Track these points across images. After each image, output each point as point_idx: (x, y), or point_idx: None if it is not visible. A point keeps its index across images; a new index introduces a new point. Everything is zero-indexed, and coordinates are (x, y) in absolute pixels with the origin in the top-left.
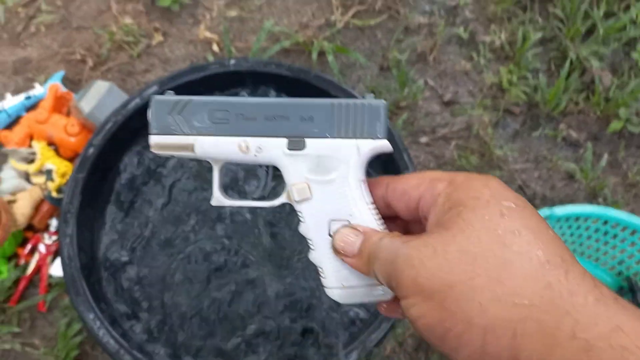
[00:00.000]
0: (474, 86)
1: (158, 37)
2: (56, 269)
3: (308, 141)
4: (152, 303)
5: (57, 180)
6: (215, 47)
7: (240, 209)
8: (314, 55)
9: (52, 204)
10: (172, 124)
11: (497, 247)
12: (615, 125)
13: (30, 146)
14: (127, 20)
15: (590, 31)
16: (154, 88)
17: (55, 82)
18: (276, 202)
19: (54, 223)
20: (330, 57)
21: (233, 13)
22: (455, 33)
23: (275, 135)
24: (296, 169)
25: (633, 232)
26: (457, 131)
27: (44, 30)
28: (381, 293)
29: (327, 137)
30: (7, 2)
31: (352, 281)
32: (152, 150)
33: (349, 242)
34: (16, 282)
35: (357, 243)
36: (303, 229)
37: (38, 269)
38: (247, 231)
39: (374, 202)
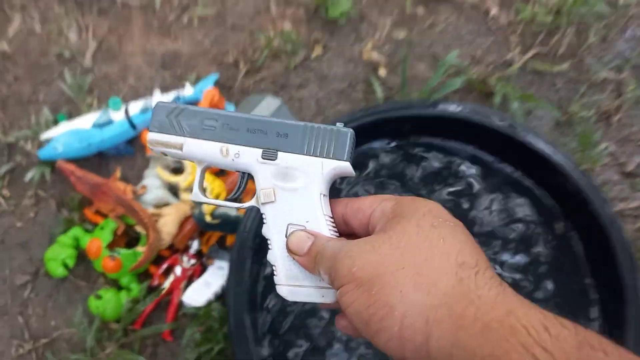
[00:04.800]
0: None
1: (317, 50)
2: (189, 297)
3: (280, 154)
4: None
5: None
6: (382, 72)
7: None
8: (497, 99)
9: (199, 225)
10: (167, 124)
11: (424, 247)
12: None
13: None
14: (286, 26)
15: None
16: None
17: (209, 86)
18: (245, 204)
19: (194, 245)
20: (515, 105)
21: (401, 34)
22: None
23: (252, 145)
24: (266, 175)
25: None
26: (636, 208)
27: (196, 23)
28: (324, 296)
29: (296, 153)
30: None
31: (301, 281)
32: (148, 145)
33: (301, 242)
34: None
35: (308, 244)
36: (265, 229)
37: (169, 292)
38: None
39: (334, 217)
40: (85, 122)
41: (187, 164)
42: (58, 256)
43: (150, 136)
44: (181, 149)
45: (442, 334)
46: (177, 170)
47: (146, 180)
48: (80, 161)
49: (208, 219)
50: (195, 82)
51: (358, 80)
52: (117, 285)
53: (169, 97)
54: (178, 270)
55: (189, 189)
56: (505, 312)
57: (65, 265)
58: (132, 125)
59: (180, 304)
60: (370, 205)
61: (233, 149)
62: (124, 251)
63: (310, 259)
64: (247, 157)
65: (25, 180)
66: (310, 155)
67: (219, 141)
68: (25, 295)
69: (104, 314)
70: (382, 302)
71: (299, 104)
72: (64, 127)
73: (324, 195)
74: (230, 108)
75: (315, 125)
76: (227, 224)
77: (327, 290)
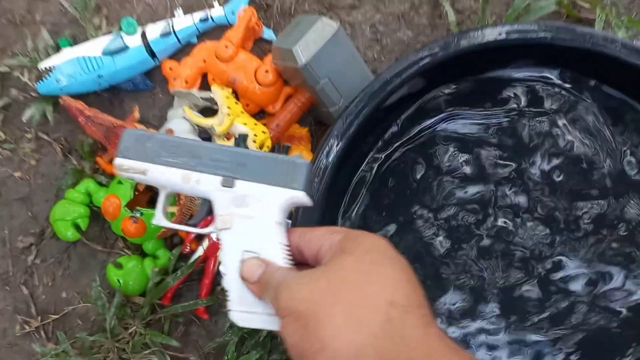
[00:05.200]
0: None
1: None
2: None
3: (238, 182)
4: None
5: None
6: None
7: None
8: (599, 27)
9: None
10: (133, 150)
11: (359, 284)
12: None
13: (200, 88)
14: None
15: None
16: (421, 55)
17: (243, 5)
18: (205, 230)
19: None
20: (621, 32)
21: None
22: None
23: (213, 172)
24: (224, 202)
25: None
26: None
27: None
28: (273, 323)
29: (254, 182)
30: None
31: (254, 307)
32: (115, 170)
33: (253, 269)
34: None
35: (259, 271)
36: (221, 255)
37: (203, 260)
38: None
39: (290, 246)
40: (93, 48)
41: (222, 103)
42: (68, 215)
43: (116, 161)
44: (145, 174)
45: None
46: (208, 110)
47: (171, 123)
48: (89, 97)
49: None
50: (225, 1)
51: (422, 1)
52: (139, 251)
53: (194, 18)
54: (213, 234)
55: (226, 135)
56: (424, 354)
57: (77, 227)
58: (151, 53)
59: (217, 275)
60: (321, 237)
61: (194, 175)
62: (146, 211)
63: (260, 287)
64: (207, 184)
65: (23, 120)
66: (266, 184)
67: (181, 168)
68: (29, 261)
69: (125, 286)
70: (315, 338)
71: (351, 30)
72: (68, 55)
73: (279, 223)
74: (269, 33)
75: (273, 156)
76: None
77: (277, 318)
